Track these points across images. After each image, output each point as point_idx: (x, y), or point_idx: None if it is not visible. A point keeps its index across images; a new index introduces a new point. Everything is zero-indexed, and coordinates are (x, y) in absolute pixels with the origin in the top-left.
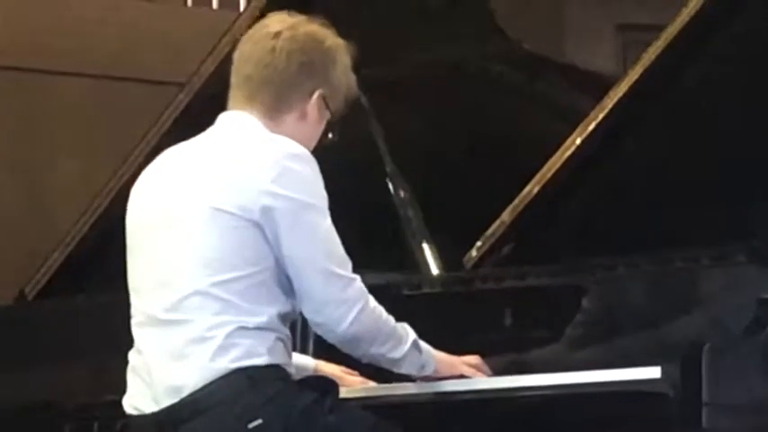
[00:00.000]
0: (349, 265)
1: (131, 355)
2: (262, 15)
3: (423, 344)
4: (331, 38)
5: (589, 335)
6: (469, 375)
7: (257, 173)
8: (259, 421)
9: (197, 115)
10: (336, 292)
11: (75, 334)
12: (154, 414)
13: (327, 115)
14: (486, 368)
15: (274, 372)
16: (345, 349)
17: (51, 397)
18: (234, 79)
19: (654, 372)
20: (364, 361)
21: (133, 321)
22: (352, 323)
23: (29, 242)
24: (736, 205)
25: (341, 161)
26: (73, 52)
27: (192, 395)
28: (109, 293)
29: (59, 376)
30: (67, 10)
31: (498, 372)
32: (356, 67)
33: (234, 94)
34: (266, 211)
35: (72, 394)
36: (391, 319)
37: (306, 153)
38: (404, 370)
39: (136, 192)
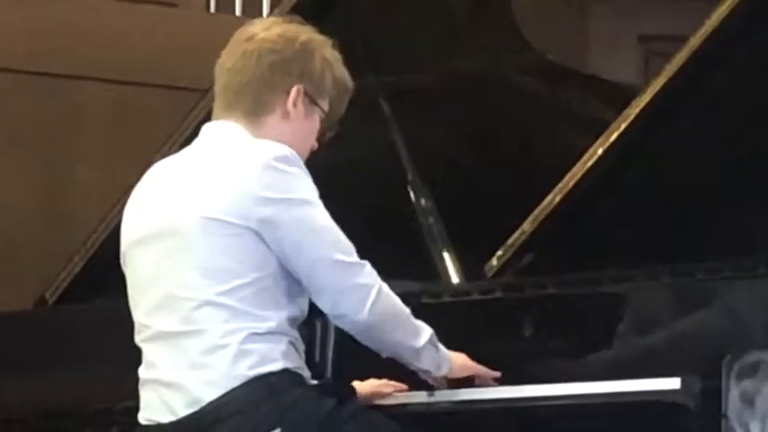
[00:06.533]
0: (354, 250)
1: (141, 370)
2: None
3: (438, 342)
4: (306, 34)
5: (609, 346)
6: (482, 376)
7: (247, 180)
8: (278, 430)
9: None
10: (349, 279)
11: (95, 339)
12: (172, 424)
13: (317, 111)
14: (496, 375)
15: (292, 377)
16: (368, 340)
17: (71, 402)
18: (215, 89)
19: (674, 383)
20: (385, 355)
21: (139, 337)
22: (372, 307)
23: (50, 247)
24: (758, 217)
25: (362, 168)
26: (96, 58)
27: (210, 404)
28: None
29: (79, 381)
30: (91, 16)
31: (518, 382)
32: (373, 73)
33: (216, 105)
34: (262, 217)
35: (91, 399)
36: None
37: (291, 153)
38: (423, 364)
39: (129, 209)
